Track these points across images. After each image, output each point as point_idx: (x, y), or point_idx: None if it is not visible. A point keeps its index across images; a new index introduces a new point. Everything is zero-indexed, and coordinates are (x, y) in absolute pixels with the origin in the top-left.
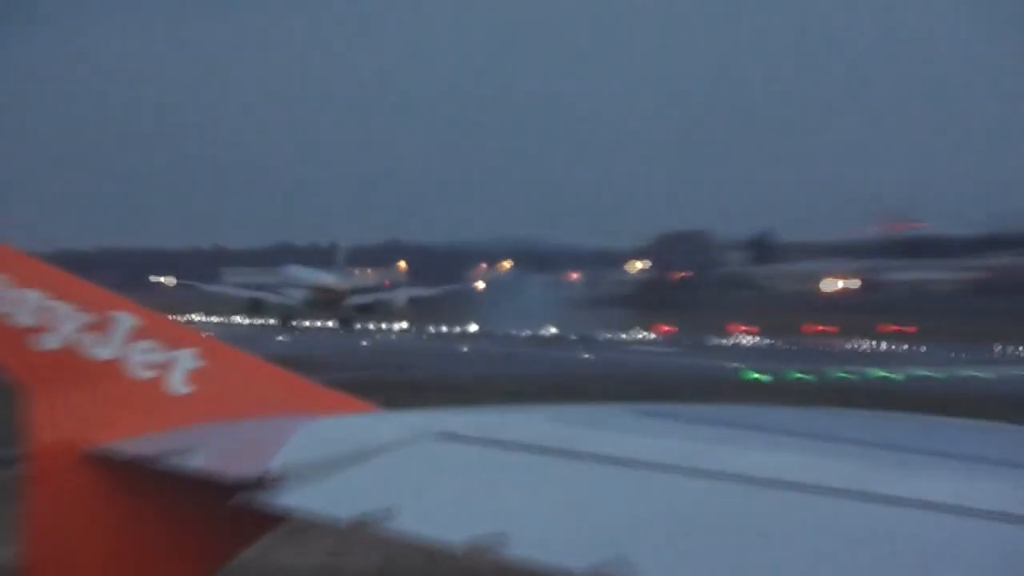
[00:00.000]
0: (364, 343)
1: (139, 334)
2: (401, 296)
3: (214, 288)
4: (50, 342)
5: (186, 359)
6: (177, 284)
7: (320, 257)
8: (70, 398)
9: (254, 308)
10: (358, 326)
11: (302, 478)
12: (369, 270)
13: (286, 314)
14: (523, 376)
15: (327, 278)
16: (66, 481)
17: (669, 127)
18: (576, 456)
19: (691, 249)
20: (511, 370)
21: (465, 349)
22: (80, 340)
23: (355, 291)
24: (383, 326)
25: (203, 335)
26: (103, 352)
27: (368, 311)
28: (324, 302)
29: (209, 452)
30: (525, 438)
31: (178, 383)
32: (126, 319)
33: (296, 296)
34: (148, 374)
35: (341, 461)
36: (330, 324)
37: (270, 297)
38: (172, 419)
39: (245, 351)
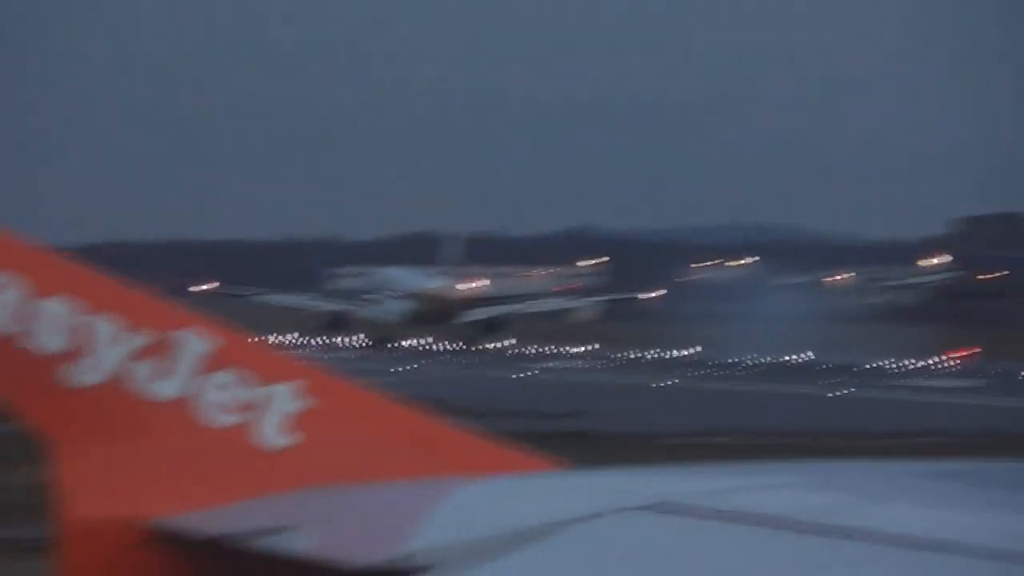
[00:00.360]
0: (513, 376)
1: (216, 363)
2: (582, 306)
3: (275, 299)
4: (87, 375)
5: (283, 398)
6: (217, 293)
7: (468, 250)
8: (117, 454)
9: (336, 324)
10: (488, 346)
11: (455, 566)
12: (540, 270)
13: (379, 332)
14: (752, 429)
15: (432, 283)
16: (116, 571)
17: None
18: (847, 533)
19: (1004, 238)
20: (737, 420)
21: (668, 384)
22: (131, 371)
23: (476, 300)
24: (554, 349)
25: (307, 364)
26: (164, 388)
27: (495, 328)
28: (429, 315)
29: (319, 529)
30: (772, 508)
31: (272, 432)
32: (196, 342)
33: (393, 308)
34: (229, 419)
35: (510, 541)
36: (447, 345)
37: (358, 310)
38: (265, 483)
39: (367, 385)
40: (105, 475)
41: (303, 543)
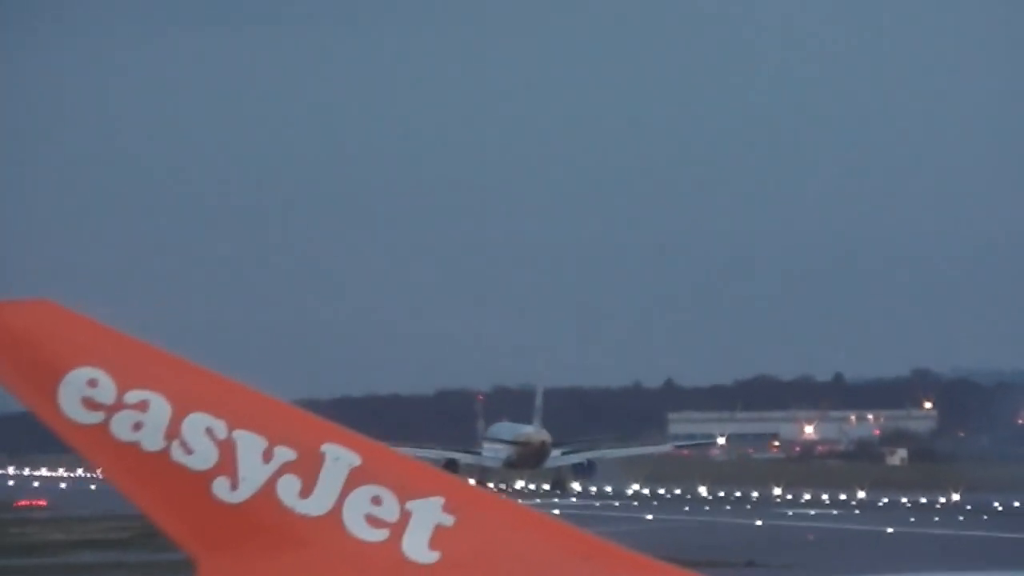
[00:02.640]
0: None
1: (362, 477)
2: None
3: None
4: (231, 492)
5: (431, 512)
6: None
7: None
8: (261, 571)
9: (450, 470)
10: (576, 488)
11: None
12: (869, 415)
13: (481, 475)
14: None
15: (525, 431)
16: None
17: None
18: None
19: None
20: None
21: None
22: (276, 487)
23: (564, 445)
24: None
25: (452, 477)
26: (311, 505)
27: (585, 472)
28: (525, 459)
29: None
30: None
31: (419, 546)
32: (344, 456)
33: (499, 454)
34: (376, 535)
35: None
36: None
37: (465, 457)
38: None
39: (516, 501)
40: None
41: None
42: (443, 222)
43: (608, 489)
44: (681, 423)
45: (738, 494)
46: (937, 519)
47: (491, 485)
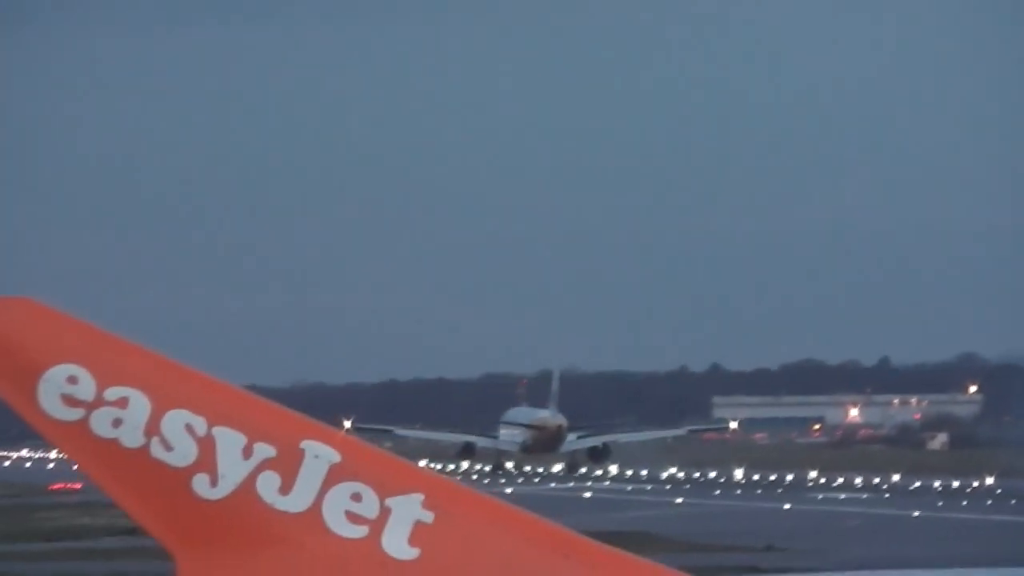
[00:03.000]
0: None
1: (342, 474)
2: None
3: (415, 433)
4: (211, 488)
5: (410, 509)
6: (356, 429)
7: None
8: (241, 568)
9: (467, 453)
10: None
11: None
12: (913, 400)
13: (497, 459)
14: None
15: (541, 415)
16: None
17: None
18: None
19: None
20: None
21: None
22: (256, 484)
23: (580, 429)
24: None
25: (433, 474)
26: (290, 501)
27: (600, 456)
28: (540, 443)
29: None
30: None
31: (399, 543)
32: (323, 453)
33: (515, 438)
34: (356, 531)
35: None
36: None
37: (481, 440)
38: None
39: (497, 498)
40: None
41: None
42: (493, 207)
43: (644, 473)
44: (727, 407)
45: (772, 478)
46: (965, 503)
47: (509, 466)
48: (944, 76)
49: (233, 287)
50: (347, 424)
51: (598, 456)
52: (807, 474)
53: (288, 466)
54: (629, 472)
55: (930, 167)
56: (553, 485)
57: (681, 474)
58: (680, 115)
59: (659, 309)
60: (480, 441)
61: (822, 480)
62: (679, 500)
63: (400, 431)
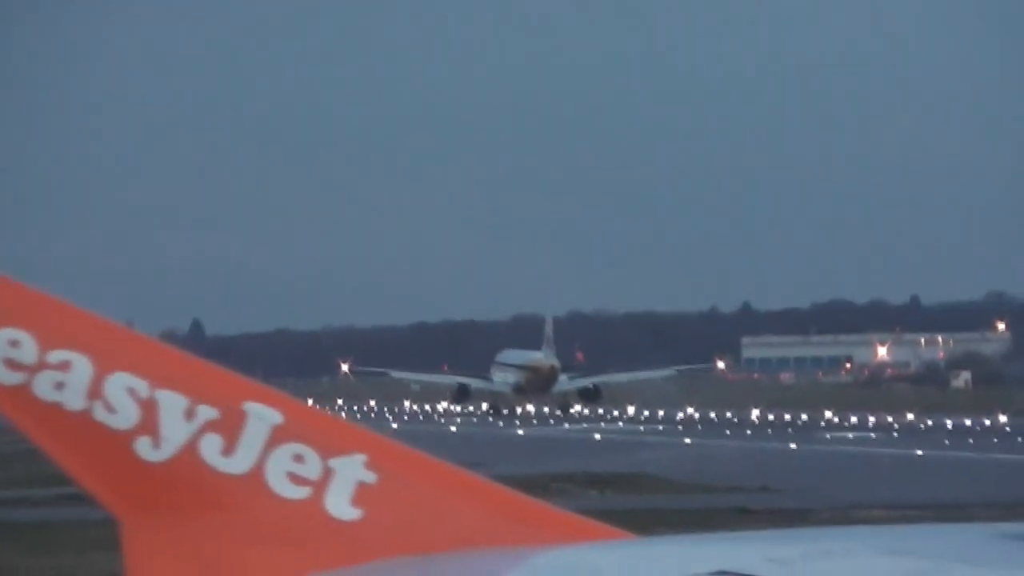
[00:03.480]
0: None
1: (284, 435)
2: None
3: (412, 375)
4: (154, 451)
5: (352, 469)
6: (353, 372)
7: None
8: (186, 530)
9: (462, 395)
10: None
11: None
12: (940, 338)
13: (494, 401)
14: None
15: (534, 356)
16: None
17: None
18: None
19: None
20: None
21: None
22: (198, 446)
23: (570, 370)
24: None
25: (375, 435)
26: (233, 463)
27: (591, 396)
28: (533, 385)
29: None
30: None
31: (341, 504)
32: (266, 414)
33: (508, 380)
34: (298, 492)
35: None
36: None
37: (475, 382)
38: (333, 555)
39: (435, 457)
40: (174, 551)
41: None
42: (525, 151)
43: (660, 413)
44: (755, 347)
45: (787, 418)
46: (971, 441)
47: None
48: (982, 13)
49: (265, 235)
50: (344, 367)
51: (589, 396)
52: (822, 414)
53: (230, 428)
54: (646, 413)
55: (960, 106)
56: (567, 426)
57: (697, 415)
58: (712, 50)
59: (688, 250)
60: (474, 383)
61: (835, 420)
62: (688, 440)
63: (396, 373)
